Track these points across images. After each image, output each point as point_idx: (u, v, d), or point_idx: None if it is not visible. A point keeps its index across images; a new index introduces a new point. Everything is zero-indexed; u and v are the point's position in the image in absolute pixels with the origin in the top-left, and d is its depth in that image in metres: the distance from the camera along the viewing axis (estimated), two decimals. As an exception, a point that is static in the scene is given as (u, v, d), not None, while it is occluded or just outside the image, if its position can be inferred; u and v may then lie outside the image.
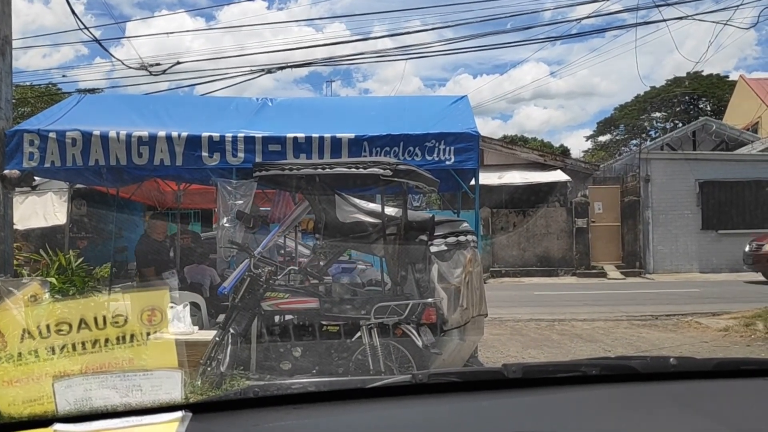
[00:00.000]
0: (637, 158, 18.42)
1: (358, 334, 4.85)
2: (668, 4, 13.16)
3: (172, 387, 1.38)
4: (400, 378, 1.52)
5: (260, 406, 1.39)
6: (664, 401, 1.45)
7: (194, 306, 6.55)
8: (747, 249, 15.00)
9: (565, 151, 36.57)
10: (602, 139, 42.88)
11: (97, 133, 6.34)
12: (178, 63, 15.82)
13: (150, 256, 7.60)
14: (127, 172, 7.08)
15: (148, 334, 1.80)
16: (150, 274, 7.31)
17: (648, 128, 40.65)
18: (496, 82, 75.41)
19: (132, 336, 1.76)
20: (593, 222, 18.53)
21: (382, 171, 4.93)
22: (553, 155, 21.83)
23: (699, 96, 38.78)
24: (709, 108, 37.62)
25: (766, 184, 17.38)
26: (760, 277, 14.61)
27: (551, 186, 18.57)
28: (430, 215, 5.77)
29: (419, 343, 4.74)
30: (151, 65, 14.48)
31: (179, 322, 5.23)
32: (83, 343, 1.71)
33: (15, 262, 7.10)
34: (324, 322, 5.11)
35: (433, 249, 5.15)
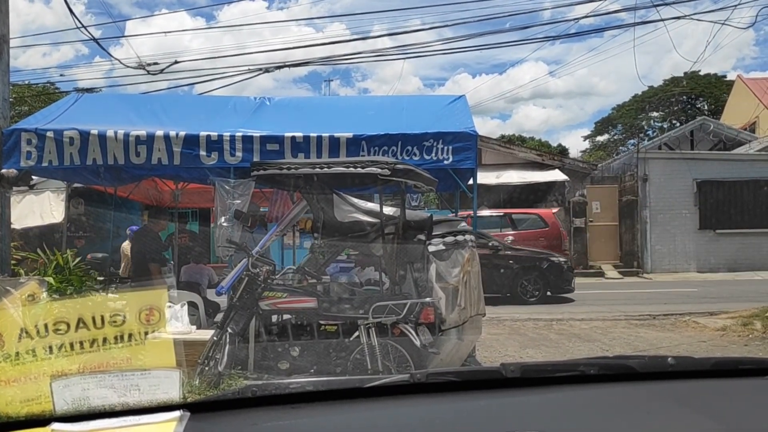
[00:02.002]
0: (634, 158, 18.43)
1: (356, 333, 4.85)
2: (666, 4, 13.19)
3: (170, 386, 1.38)
4: (398, 377, 1.52)
5: (258, 405, 1.39)
6: (663, 400, 1.45)
7: (192, 305, 6.54)
8: None
9: (563, 151, 36.58)
10: (600, 138, 42.90)
11: (94, 132, 6.33)
12: (176, 62, 15.81)
13: (148, 255, 7.54)
14: (125, 171, 7.07)
15: (146, 333, 1.80)
16: (155, 271, 7.27)
17: (646, 128, 40.70)
18: (494, 81, 75.30)
19: (130, 335, 1.75)
20: (591, 221, 18.55)
21: (380, 170, 4.93)
22: (551, 155, 21.84)
23: (697, 96, 38.83)
24: (706, 108, 37.65)
25: (764, 183, 17.40)
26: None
27: (549, 185, 18.57)
28: (429, 215, 5.78)
29: (417, 343, 4.74)
30: (149, 64, 14.47)
31: (177, 322, 5.22)
32: (81, 343, 1.70)
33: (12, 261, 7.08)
34: (322, 322, 5.11)
35: (431, 248, 5.15)
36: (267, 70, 14.42)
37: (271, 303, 5.07)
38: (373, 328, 4.81)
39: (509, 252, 12.79)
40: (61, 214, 12.36)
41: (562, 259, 12.77)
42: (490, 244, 12.57)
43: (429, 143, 6.32)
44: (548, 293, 12.32)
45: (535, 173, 18.71)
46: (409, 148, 6.32)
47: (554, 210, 15.91)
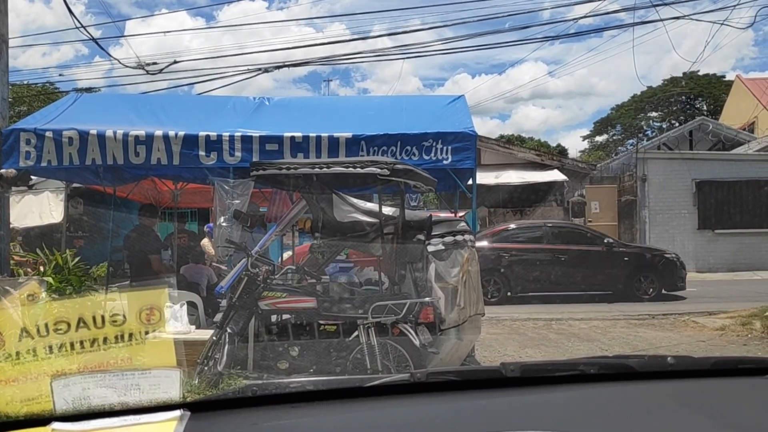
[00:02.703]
0: (634, 158, 18.44)
1: (356, 333, 4.84)
2: (665, 4, 13.20)
3: (171, 386, 1.38)
4: (398, 377, 1.52)
5: (258, 405, 1.39)
6: (662, 400, 1.45)
7: (191, 305, 6.54)
8: None
9: (562, 151, 36.60)
10: (599, 138, 42.93)
11: (93, 132, 6.32)
12: (175, 62, 15.81)
13: (148, 252, 7.50)
14: (125, 171, 7.06)
15: (146, 333, 1.80)
16: (156, 262, 7.26)
17: (645, 128, 40.74)
18: (494, 81, 75.42)
19: (130, 335, 1.76)
20: (590, 222, 18.53)
21: (379, 170, 4.93)
22: (550, 155, 21.85)
23: (696, 96, 38.87)
24: (705, 108, 37.70)
25: (763, 183, 17.41)
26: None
27: (548, 185, 18.58)
28: (428, 214, 5.78)
29: (417, 343, 4.74)
30: (148, 64, 14.47)
31: (176, 321, 5.22)
32: (81, 342, 1.70)
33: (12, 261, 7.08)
34: (321, 322, 5.11)
35: (430, 248, 5.15)
36: (266, 70, 14.44)
37: (271, 303, 5.07)
38: (372, 328, 4.81)
39: (623, 249, 12.71)
40: (60, 214, 12.36)
41: (675, 256, 12.61)
42: (605, 241, 12.53)
43: (428, 143, 6.32)
44: (663, 291, 12.19)
45: (534, 173, 18.72)
46: (409, 148, 6.32)
47: (461, 213, 15.66)
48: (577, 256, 12.37)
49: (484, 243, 12.51)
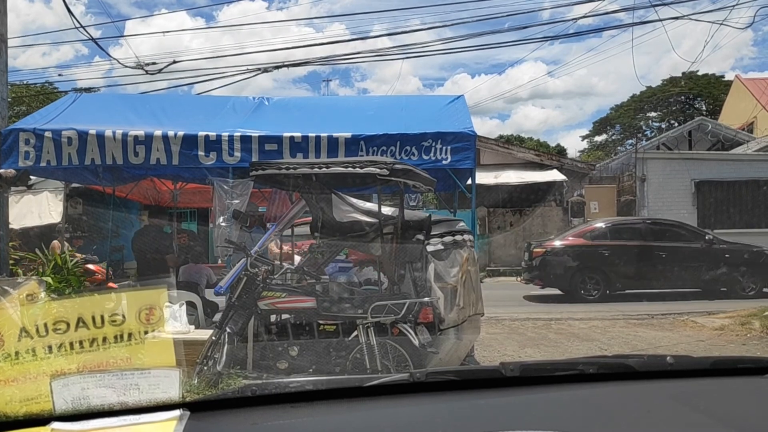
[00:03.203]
0: (633, 158, 18.44)
1: (355, 333, 4.85)
2: (665, 4, 13.22)
3: (170, 386, 1.38)
4: (397, 377, 1.52)
5: (258, 404, 1.39)
6: (662, 399, 1.45)
7: (190, 305, 6.53)
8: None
9: (561, 151, 36.64)
10: (598, 138, 42.94)
11: (93, 132, 6.33)
12: (174, 62, 15.81)
13: (156, 252, 7.48)
14: (124, 171, 7.07)
15: (146, 332, 1.80)
16: (171, 261, 7.27)
17: (644, 128, 40.75)
18: (493, 81, 75.36)
19: (129, 335, 1.76)
20: (589, 221, 18.56)
21: (378, 170, 4.93)
22: (549, 155, 21.85)
23: (695, 96, 38.88)
24: (704, 108, 37.72)
25: (763, 183, 17.42)
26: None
27: (548, 185, 18.58)
28: (427, 214, 5.78)
29: (416, 342, 4.74)
30: (147, 64, 14.47)
31: (175, 321, 5.21)
32: (80, 342, 1.70)
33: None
34: (321, 321, 5.11)
35: (429, 248, 5.15)
36: (266, 70, 14.44)
37: (270, 303, 5.07)
38: (371, 328, 4.81)
39: (723, 246, 12.47)
40: (59, 214, 12.37)
41: None
42: (705, 237, 12.39)
43: (428, 143, 6.32)
44: (763, 289, 12.01)
45: (533, 173, 18.72)
46: (408, 148, 6.33)
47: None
48: (676, 253, 12.16)
49: (581, 240, 12.48)
